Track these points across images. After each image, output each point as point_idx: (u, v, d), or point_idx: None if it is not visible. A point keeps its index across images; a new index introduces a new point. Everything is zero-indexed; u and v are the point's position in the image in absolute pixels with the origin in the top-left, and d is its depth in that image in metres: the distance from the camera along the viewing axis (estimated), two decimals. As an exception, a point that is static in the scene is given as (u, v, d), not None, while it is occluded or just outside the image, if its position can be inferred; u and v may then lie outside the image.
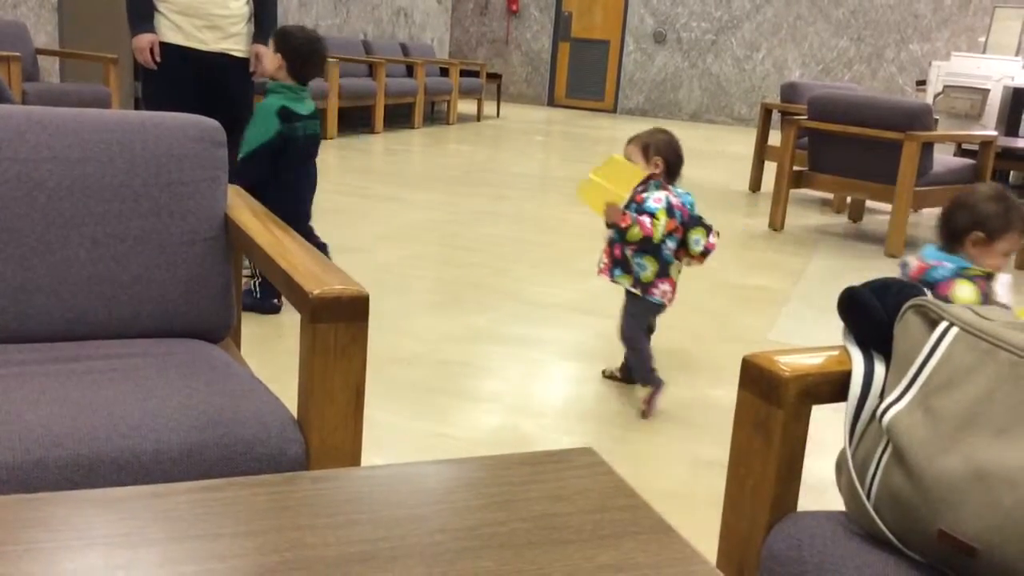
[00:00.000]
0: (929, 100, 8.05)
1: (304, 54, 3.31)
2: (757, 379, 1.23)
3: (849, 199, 6.29)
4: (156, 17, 3.76)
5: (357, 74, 9.06)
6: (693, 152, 9.33)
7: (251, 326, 3.15)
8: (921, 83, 8.84)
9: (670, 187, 2.69)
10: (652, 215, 2.59)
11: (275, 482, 0.86)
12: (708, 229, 2.68)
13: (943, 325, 1.13)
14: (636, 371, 2.77)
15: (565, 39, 13.92)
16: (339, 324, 1.36)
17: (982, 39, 9.72)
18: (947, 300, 1.78)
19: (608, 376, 2.94)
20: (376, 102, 9.05)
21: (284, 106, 3.27)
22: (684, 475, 2.34)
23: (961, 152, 6.80)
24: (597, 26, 13.75)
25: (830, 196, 6.85)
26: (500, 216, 5.47)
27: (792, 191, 5.95)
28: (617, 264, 2.72)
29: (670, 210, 2.62)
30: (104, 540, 0.74)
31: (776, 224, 5.63)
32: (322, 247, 3.43)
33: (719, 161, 8.97)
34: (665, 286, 2.69)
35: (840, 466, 1.21)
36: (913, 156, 4.94)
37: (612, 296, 3.39)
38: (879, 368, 1.22)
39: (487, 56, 14.09)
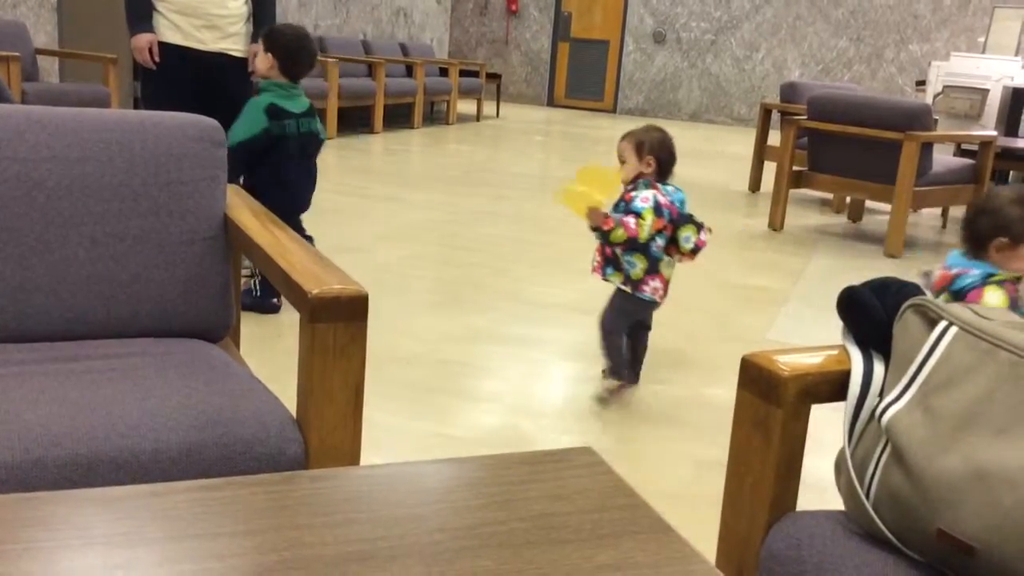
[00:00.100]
0: (928, 100, 8.05)
1: (293, 52, 3.31)
2: (756, 378, 1.23)
3: (849, 199, 6.29)
4: (155, 17, 3.76)
5: (356, 74, 9.06)
6: (693, 152, 9.34)
7: (250, 326, 3.15)
8: (921, 83, 8.84)
9: (658, 185, 2.69)
10: (639, 215, 2.59)
11: (274, 481, 0.86)
12: (699, 226, 2.68)
13: (942, 324, 1.13)
14: (608, 361, 2.79)
15: (565, 39, 13.92)
16: (338, 324, 1.36)
17: (981, 39, 9.72)
18: None
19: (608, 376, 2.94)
20: (375, 102, 9.05)
21: (273, 103, 3.26)
22: (683, 475, 2.34)
23: (961, 152, 6.79)
24: (597, 26, 13.75)
25: (830, 196, 6.85)
26: (500, 216, 5.47)
27: (792, 191, 5.95)
28: (609, 262, 2.73)
29: (658, 209, 2.62)
30: (103, 539, 0.74)
31: (776, 224, 5.63)
32: (308, 240, 3.43)
33: (719, 161, 8.96)
34: (656, 283, 2.70)
35: (839, 465, 1.21)
36: (912, 156, 4.94)
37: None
38: (878, 367, 1.22)
39: (487, 56, 14.09)
